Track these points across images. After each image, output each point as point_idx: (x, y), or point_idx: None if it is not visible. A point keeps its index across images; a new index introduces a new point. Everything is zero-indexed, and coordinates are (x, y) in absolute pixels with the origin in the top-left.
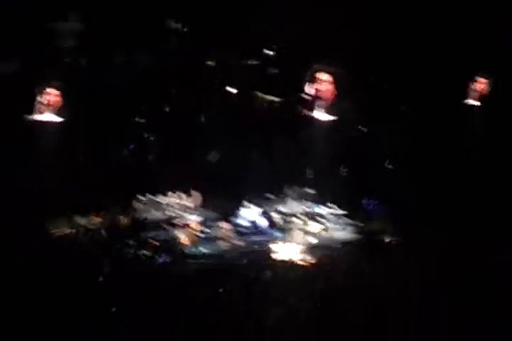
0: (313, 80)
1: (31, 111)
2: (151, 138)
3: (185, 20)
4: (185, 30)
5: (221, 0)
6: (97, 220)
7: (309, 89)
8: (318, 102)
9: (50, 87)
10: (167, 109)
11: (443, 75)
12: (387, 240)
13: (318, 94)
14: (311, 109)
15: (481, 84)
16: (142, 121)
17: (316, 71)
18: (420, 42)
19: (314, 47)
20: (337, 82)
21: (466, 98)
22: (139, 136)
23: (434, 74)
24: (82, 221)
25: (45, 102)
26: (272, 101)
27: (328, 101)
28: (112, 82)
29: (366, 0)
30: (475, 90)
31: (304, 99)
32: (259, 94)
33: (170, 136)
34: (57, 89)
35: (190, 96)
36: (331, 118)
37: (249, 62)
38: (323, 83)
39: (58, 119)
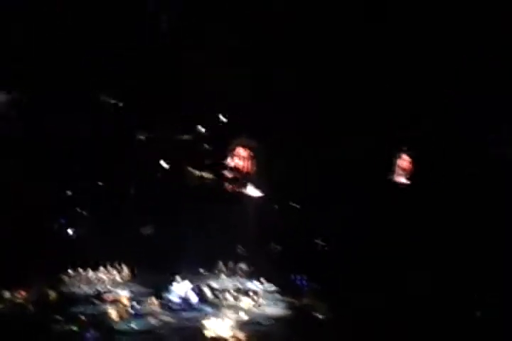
0: (233, 155)
1: None
2: (82, 212)
3: (121, 94)
4: (120, 104)
5: (156, 78)
6: (23, 294)
7: (230, 164)
8: (245, 176)
9: None
10: (99, 183)
11: (368, 149)
12: (318, 316)
13: (239, 168)
14: (240, 184)
15: (405, 161)
16: (73, 194)
17: (236, 146)
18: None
19: (239, 123)
20: (256, 157)
21: (392, 175)
22: (70, 209)
23: (359, 146)
24: (7, 295)
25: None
26: (203, 177)
27: (249, 175)
28: (43, 151)
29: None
30: (401, 167)
31: (230, 174)
32: (191, 169)
33: (101, 209)
34: None
35: (123, 170)
36: (259, 193)
37: (182, 137)
38: (242, 158)
39: None
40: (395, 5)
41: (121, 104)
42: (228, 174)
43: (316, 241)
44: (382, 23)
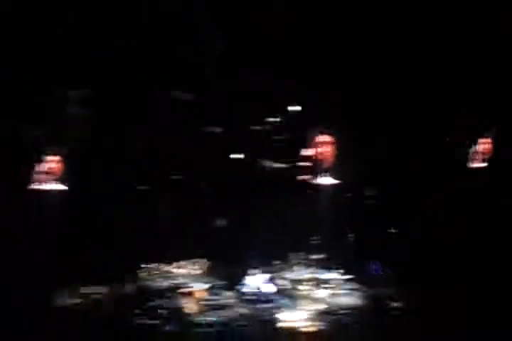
0: (314, 143)
1: (31, 180)
2: (156, 207)
3: (193, 89)
4: (192, 98)
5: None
6: (104, 290)
7: (311, 152)
8: (320, 165)
9: (50, 154)
10: (171, 177)
11: (445, 139)
12: (393, 305)
13: (320, 156)
14: (315, 174)
15: (484, 145)
16: (147, 189)
17: (317, 134)
18: (419, 107)
19: (315, 113)
20: (338, 144)
21: (468, 161)
22: (144, 205)
23: (435, 138)
24: (89, 290)
25: (46, 170)
26: (277, 168)
27: (329, 162)
28: (116, 148)
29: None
30: (478, 152)
31: (306, 164)
32: (264, 160)
33: (175, 204)
34: (58, 155)
35: (195, 165)
36: (334, 182)
37: (254, 128)
38: (324, 145)
39: (61, 188)
40: None
41: (192, 99)
42: (304, 163)
43: (391, 230)
44: None
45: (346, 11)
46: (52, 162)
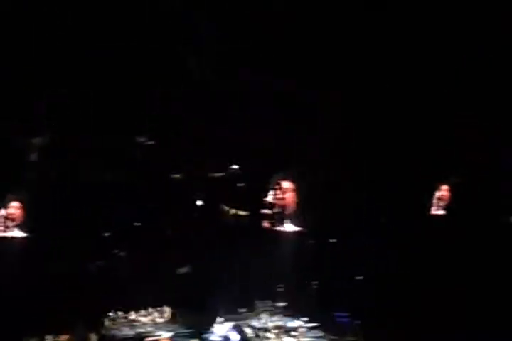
0: (275, 189)
1: None
2: (120, 254)
3: (151, 134)
4: (152, 143)
5: (188, 116)
6: (65, 338)
7: (272, 198)
8: (282, 212)
9: (13, 200)
10: (135, 224)
11: (409, 184)
12: None
13: (281, 202)
14: (278, 221)
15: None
16: (110, 236)
17: (278, 180)
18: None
19: (278, 159)
20: (299, 190)
21: (431, 207)
22: (108, 251)
23: (400, 182)
24: (50, 339)
25: (9, 216)
26: (238, 214)
27: (292, 209)
28: (78, 196)
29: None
30: (439, 198)
31: (269, 211)
32: (226, 207)
33: (139, 251)
34: (20, 201)
35: (157, 210)
36: (297, 229)
37: (216, 175)
38: (285, 191)
39: (22, 234)
40: None
41: (152, 144)
42: (265, 211)
43: (356, 277)
44: None
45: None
46: (12, 208)
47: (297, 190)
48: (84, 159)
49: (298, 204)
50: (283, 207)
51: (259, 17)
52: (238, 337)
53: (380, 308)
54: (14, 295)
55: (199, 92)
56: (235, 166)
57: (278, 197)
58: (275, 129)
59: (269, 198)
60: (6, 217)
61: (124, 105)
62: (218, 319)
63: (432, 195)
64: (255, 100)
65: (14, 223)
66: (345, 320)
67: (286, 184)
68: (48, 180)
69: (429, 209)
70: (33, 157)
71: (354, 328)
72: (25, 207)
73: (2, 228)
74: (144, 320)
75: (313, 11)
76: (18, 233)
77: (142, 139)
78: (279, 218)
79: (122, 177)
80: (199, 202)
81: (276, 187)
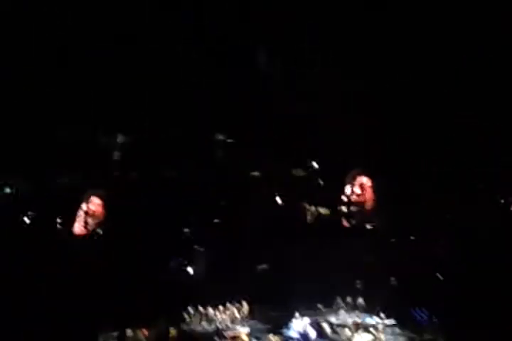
0: (353, 185)
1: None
2: (200, 250)
3: (235, 132)
4: (233, 141)
5: (267, 113)
6: (145, 333)
7: (350, 194)
8: (361, 209)
9: (94, 195)
10: (215, 221)
11: (483, 177)
12: None
13: (359, 199)
14: (357, 218)
15: None
16: (190, 232)
17: (356, 175)
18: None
19: (356, 157)
20: (377, 187)
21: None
22: (188, 248)
23: (474, 175)
24: (130, 333)
25: (89, 211)
26: (319, 212)
27: (369, 205)
28: (159, 194)
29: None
30: None
31: (347, 208)
32: (306, 204)
33: (218, 247)
34: (101, 198)
35: (237, 208)
36: (377, 226)
37: (296, 172)
38: (363, 187)
39: (100, 231)
40: None
41: (232, 142)
42: (345, 208)
43: (436, 274)
44: None
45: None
46: (94, 204)
47: (374, 187)
48: (165, 158)
49: (375, 200)
50: (361, 203)
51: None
52: (316, 333)
53: (460, 307)
54: (96, 290)
55: (276, 91)
56: (315, 164)
57: (356, 193)
58: (352, 126)
59: (347, 194)
60: (87, 213)
61: (204, 103)
62: (296, 315)
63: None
64: (331, 99)
65: (95, 220)
66: (424, 317)
67: (364, 179)
68: (130, 178)
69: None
70: (117, 156)
71: (433, 326)
72: (107, 205)
73: (83, 223)
74: (222, 315)
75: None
76: (98, 230)
77: (222, 137)
78: (358, 215)
79: (203, 175)
80: (279, 200)
81: (354, 183)
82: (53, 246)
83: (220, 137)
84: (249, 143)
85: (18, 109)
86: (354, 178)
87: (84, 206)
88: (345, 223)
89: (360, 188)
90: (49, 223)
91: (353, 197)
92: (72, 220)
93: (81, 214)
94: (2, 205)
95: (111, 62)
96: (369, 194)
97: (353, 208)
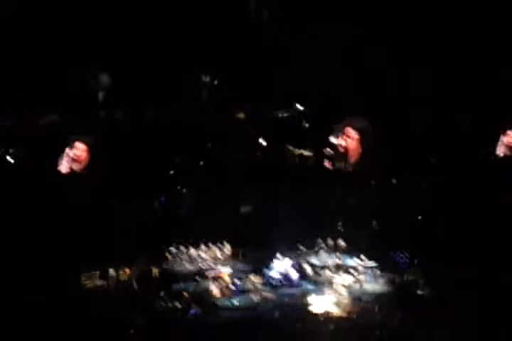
0: (341, 134)
1: (56, 164)
2: (182, 190)
3: (216, 73)
4: (216, 83)
5: (252, 53)
6: (127, 272)
7: (336, 140)
8: (346, 154)
9: (79, 141)
10: (197, 162)
11: (473, 127)
12: (419, 292)
13: (345, 149)
14: (341, 162)
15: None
16: (172, 173)
17: (346, 125)
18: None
19: (344, 102)
20: (364, 139)
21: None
22: (170, 188)
23: (463, 126)
24: (113, 273)
25: (73, 156)
26: (302, 154)
27: (354, 156)
28: (141, 134)
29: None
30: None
31: (332, 153)
32: (290, 146)
33: (200, 188)
34: (86, 143)
35: (220, 149)
36: (360, 170)
37: (280, 114)
38: (350, 139)
39: (84, 173)
40: None
41: (217, 83)
42: (329, 151)
43: (416, 216)
44: None
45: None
46: (79, 150)
47: (361, 141)
48: (149, 100)
49: (360, 153)
50: (346, 152)
51: None
52: (297, 273)
53: (441, 249)
54: (76, 229)
55: (264, 30)
56: (300, 106)
57: (342, 143)
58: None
59: (334, 143)
60: (72, 158)
61: (189, 44)
62: (278, 256)
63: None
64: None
65: (80, 166)
66: (404, 259)
67: (351, 132)
68: (115, 121)
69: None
70: (101, 96)
71: (413, 268)
72: (92, 150)
73: (66, 168)
74: (204, 255)
75: None
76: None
77: (207, 79)
78: (342, 160)
79: (187, 116)
80: (263, 142)
81: (342, 132)
82: (37, 184)
83: (206, 78)
84: (234, 85)
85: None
86: (343, 128)
87: (68, 151)
88: (328, 166)
89: (347, 140)
90: (32, 162)
91: (340, 148)
92: (55, 162)
93: (65, 158)
94: None
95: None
96: (355, 145)
97: (337, 154)
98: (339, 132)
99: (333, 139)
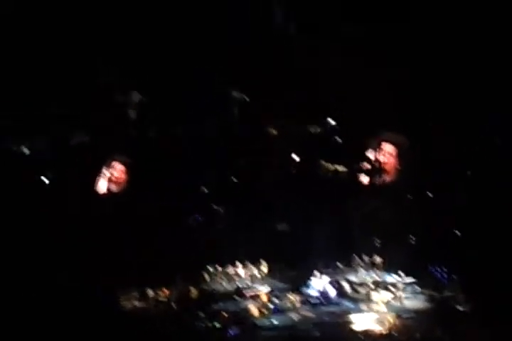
0: (377, 150)
1: (94, 183)
2: (218, 209)
3: (247, 88)
4: (248, 99)
5: (284, 69)
6: (166, 292)
7: (372, 158)
8: (382, 169)
9: (117, 161)
10: (233, 179)
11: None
12: (459, 308)
13: (379, 162)
14: (376, 177)
15: None
16: (209, 191)
17: (381, 141)
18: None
19: (379, 117)
20: (401, 154)
21: None
22: (206, 206)
23: (496, 144)
24: (152, 293)
25: (112, 177)
26: (336, 170)
27: (390, 171)
28: (176, 152)
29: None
30: None
31: (367, 168)
32: (324, 162)
33: (237, 206)
34: (124, 164)
35: (255, 166)
36: (397, 185)
37: (313, 130)
38: (387, 154)
39: (121, 192)
40: None
41: (248, 99)
42: (365, 166)
43: (455, 231)
44: None
45: None
46: (117, 170)
47: (398, 156)
48: (180, 117)
49: (398, 170)
50: (383, 167)
51: None
52: (335, 291)
53: (480, 263)
54: (114, 249)
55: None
56: (332, 121)
57: (379, 160)
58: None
59: (369, 159)
60: (110, 180)
61: (219, 61)
62: (315, 273)
63: None
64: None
65: (118, 187)
66: (443, 275)
67: (388, 147)
68: (148, 138)
69: None
70: (133, 114)
71: (453, 283)
72: (129, 171)
73: (104, 189)
74: (242, 274)
75: None
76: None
77: (237, 94)
78: (378, 175)
79: (219, 133)
80: (296, 158)
81: (378, 147)
82: (76, 206)
83: (237, 94)
84: (266, 100)
85: (33, 67)
86: (379, 144)
87: (106, 172)
88: (364, 181)
89: (384, 156)
90: (70, 184)
91: (376, 163)
92: (93, 182)
93: (103, 179)
94: (20, 165)
95: (128, 19)
96: (393, 160)
97: (373, 169)
98: (375, 147)
99: (369, 154)
